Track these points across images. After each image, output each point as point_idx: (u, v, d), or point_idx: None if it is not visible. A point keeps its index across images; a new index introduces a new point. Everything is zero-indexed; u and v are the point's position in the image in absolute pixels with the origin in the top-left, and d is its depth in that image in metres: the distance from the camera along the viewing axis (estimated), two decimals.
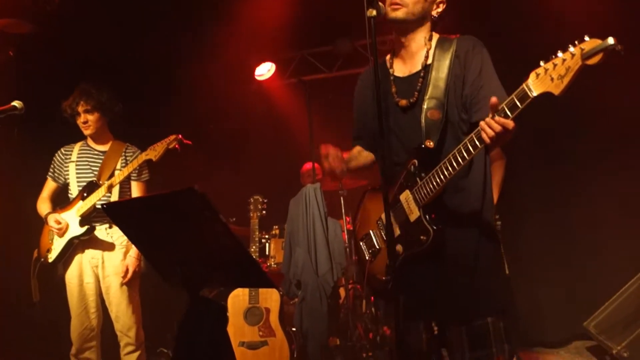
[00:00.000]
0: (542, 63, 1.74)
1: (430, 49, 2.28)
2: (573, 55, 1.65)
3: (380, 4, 2.16)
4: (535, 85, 1.74)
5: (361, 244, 2.43)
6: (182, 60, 5.56)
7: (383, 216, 2.19)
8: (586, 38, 1.65)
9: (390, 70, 2.37)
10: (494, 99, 1.86)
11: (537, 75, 1.74)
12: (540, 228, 4.67)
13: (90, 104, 3.69)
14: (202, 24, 5.37)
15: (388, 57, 2.44)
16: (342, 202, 5.10)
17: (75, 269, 3.65)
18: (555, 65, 1.69)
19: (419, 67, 2.28)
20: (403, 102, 2.28)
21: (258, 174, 6.10)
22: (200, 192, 1.81)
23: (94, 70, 4.69)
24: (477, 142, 1.92)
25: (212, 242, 1.97)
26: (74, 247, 3.63)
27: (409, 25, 2.27)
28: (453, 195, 2.17)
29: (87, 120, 3.71)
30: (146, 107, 5.33)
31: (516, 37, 4.57)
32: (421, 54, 2.30)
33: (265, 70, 6.20)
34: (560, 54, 1.70)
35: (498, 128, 1.83)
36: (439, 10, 2.30)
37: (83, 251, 3.66)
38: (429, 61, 2.27)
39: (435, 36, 2.32)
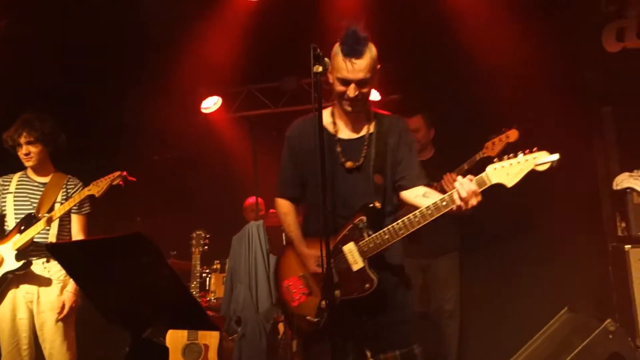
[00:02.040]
0: (495, 160, 2.24)
1: (371, 118, 2.58)
2: (527, 160, 2.17)
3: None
4: (492, 176, 2.21)
5: (285, 287, 2.58)
6: (128, 89, 5.54)
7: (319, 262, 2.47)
8: (535, 150, 2.20)
9: (333, 131, 2.56)
10: (469, 177, 2.26)
11: (494, 169, 2.21)
12: (475, 268, 4.88)
13: (33, 136, 3.62)
14: (150, 56, 5.40)
15: (326, 115, 2.58)
16: (283, 238, 5.18)
17: (8, 304, 3.55)
18: (511, 164, 2.19)
19: (363, 133, 2.55)
20: (349, 163, 2.51)
21: (201, 207, 6.11)
22: (147, 237, 1.87)
23: (36, 99, 4.61)
24: (448, 202, 2.25)
25: (157, 284, 2.01)
26: (8, 281, 3.53)
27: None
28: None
29: (30, 152, 3.64)
30: (89, 136, 5.27)
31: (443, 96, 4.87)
32: (364, 121, 2.57)
33: (211, 104, 6.26)
34: (517, 157, 2.21)
35: (469, 189, 2.19)
36: (375, 79, 2.55)
37: (17, 286, 3.56)
38: (371, 130, 2.55)
39: (373, 110, 2.62)
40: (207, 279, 5.18)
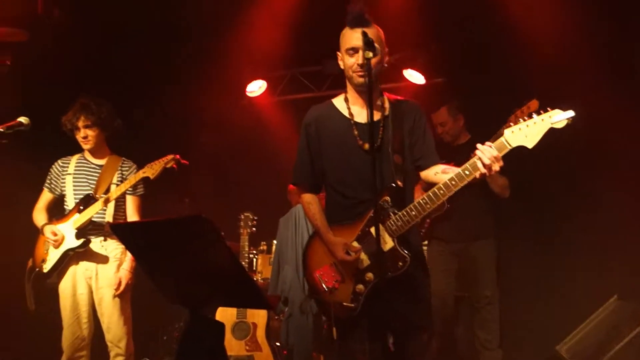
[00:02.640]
0: (512, 123, 2.23)
1: (385, 102, 2.63)
2: (543, 120, 2.15)
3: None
4: (511, 139, 2.20)
5: (317, 276, 2.60)
6: (175, 74, 5.66)
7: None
8: (549, 109, 2.17)
9: (350, 117, 2.61)
10: (487, 143, 2.26)
11: (512, 132, 2.19)
12: (519, 255, 4.85)
13: (91, 120, 3.76)
14: (197, 41, 5.49)
15: (340, 101, 2.68)
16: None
17: (69, 280, 3.73)
18: (528, 126, 2.17)
19: (378, 116, 2.58)
20: (366, 145, 2.54)
21: (247, 189, 6.22)
22: (208, 219, 1.95)
23: (90, 83, 4.77)
24: (472, 170, 2.26)
25: (215, 265, 2.10)
26: (68, 258, 3.70)
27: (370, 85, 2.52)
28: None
29: (87, 135, 3.78)
30: (139, 120, 5.42)
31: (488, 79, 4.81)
32: (378, 105, 2.61)
33: (256, 88, 6.34)
34: (533, 117, 2.18)
35: (490, 154, 2.20)
36: (387, 58, 2.64)
37: (77, 263, 3.73)
38: (386, 113, 2.60)
39: (386, 95, 2.67)
40: (254, 259, 5.29)
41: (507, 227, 4.79)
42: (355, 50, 2.50)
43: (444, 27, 5.12)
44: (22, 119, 3.03)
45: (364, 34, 2.36)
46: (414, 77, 5.66)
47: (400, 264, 2.41)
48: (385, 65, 2.63)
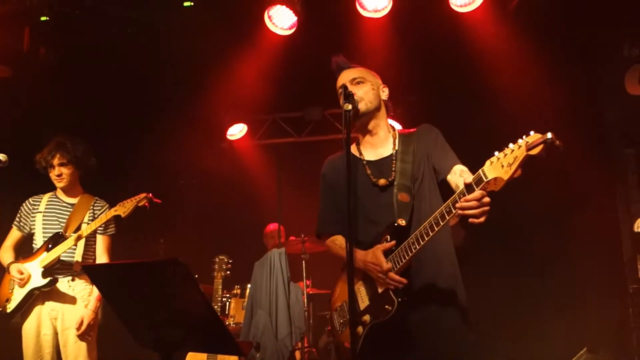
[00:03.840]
0: (496, 153, 2.01)
1: (396, 138, 2.59)
2: (519, 146, 1.92)
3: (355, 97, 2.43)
4: (489, 170, 2.00)
5: (334, 314, 2.58)
6: (157, 116, 5.69)
7: (355, 288, 2.44)
8: (531, 132, 1.92)
9: (360, 157, 2.60)
10: (466, 180, 2.09)
11: (491, 162, 2.00)
12: (488, 305, 4.85)
13: (66, 158, 3.75)
14: (179, 84, 5.55)
15: (353, 147, 2.65)
16: (303, 265, 5.23)
17: (33, 320, 3.63)
18: (505, 154, 1.96)
19: (390, 152, 2.55)
20: (382, 181, 2.49)
21: (222, 231, 6.18)
22: (184, 263, 1.93)
23: (69, 122, 4.76)
24: (452, 209, 2.11)
25: (189, 310, 2.06)
26: (34, 298, 3.62)
27: (370, 114, 2.57)
28: (421, 266, 2.36)
29: (62, 173, 3.76)
30: (116, 158, 5.40)
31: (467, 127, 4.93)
32: (389, 141, 2.59)
33: (237, 131, 6.40)
34: (510, 145, 1.97)
35: (473, 203, 2.03)
36: (386, 93, 2.65)
37: (43, 303, 3.64)
38: (397, 147, 2.55)
39: (396, 131, 2.65)
40: (227, 303, 5.21)
41: (476, 274, 4.82)
42: (342, 88, 2.51)
43: (421, 80, 5.28)
44: (0, 156, 3.01)
45: (344, 87, 2.41)
46: (398, 127, 5.79)
47: (388, 307, 2.26)
48: (385, 97, 2.63)
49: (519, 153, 1.91)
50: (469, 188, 2.05)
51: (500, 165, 1.95)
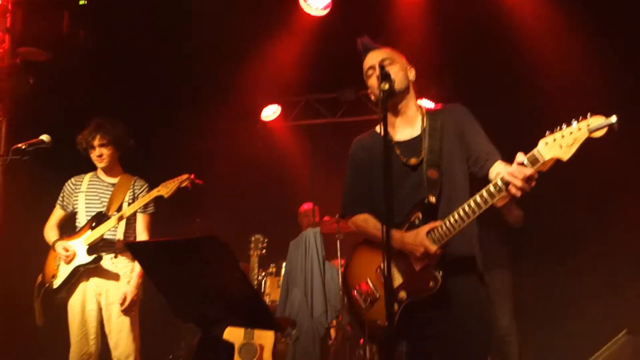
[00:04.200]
0: (547, 133, 2.00)
1: (424, 116, 2.57)
2: (580, 128, 1.91)
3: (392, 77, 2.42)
4: (545, 151, 1.99)
5: (355, 292, 2.56)
6: (193, 97, 5.76)
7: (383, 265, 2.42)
8: (589, 115, 1.92)
9: (389, 137, 2.55)
10: (519, 157, 2.07)
11: (546, 143, 1.99)
12: (531, 286, 4.82)
13: (106, 139, 3.84)
14: (214, 65, 5.60)
15: (378, 128, 2.65)
16: (338, 245, 5.27)
17: (78, 296, 3.75)
18: (563, 136, 1.95)
19: (419, 131, 2.54)
20: (413, 160, 2.48)
21: (258, 211, 6.25)
22: (223, 241, 1.99)
23: (108, 104, 4.86)
24: (501, 187, 2.09)
25: (228, 285, 2.13)
26: (79, 274, 3.73)
27: (402, 94, 2.54)
28: (454, 244, 2.34)
29: (102, 154, 3.85)
30: (153, 140, 5.50)
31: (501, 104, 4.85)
32: (417, 121, 2.57)
33: (271, 112, 6.44)
34: (570, 126, 1.95)
35: (521, 178, 2.02)
36: (413, 73, 2.61)
37: (88, 279, 3.76)
38: (424, 126, 2.54)
39: (424, 109, 2.62)
40: (263, 281, 5.30)
41: (519, 257, 4.79)
42: (372, 68, 2.52)
43: (457, 59, 5.20)
44: (44, 137, 3.11)
45: (381, 67, 2.38)
46: (428, 106, 5.74)
47: (432, 284, 2.26)
48: (413, 77, 2.60)
49: (579, 135, 1.91)
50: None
51: (559, 146, 1.96)
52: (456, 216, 2.23)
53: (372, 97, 2.65)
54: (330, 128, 6.37)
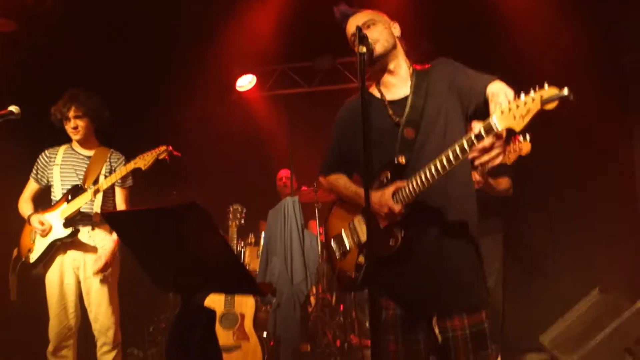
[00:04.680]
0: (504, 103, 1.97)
1: (412, 74, 2.52)
2: (533, 100, 1.88)
3: (370, 40, 2.38)
4: (499, 121, 1.96)
5: (332, 243, 2.63)
6: (166, 67, 5.66)
7: (355, 220, 2.52)
8: (545, 86, 1.88)
9: (382, 98, 2.54)
10: (475, 124, 2.05)
11: (502, 112, 1.96)
12: (505, 248, 4.91)
13: (81, 110, 3.76)
14: (187, 35, 5.49)
15: (373, 88, 2.61)
16: (317, 214, 5.30)
17: (56, 269, 3.72)
18: (517, 106, 1.92)
19: (407, 92, 2.49)
20: (399, 120, 2.43)
21: (235, 182, 6.23)
22: (201, 207, 1.98)
23: (79, 76, 4.74)
24: (466, 147, 2.06)
25: (208, 252, 2.12)
26: (55, 248, 3.70)
27: (389, 54, 2.49)
28: (434, 198, 2.33)
29: (77, 126, 3.78)
30: (127, 113, 5.40)
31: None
32: (409, 79, 2.52)
33: (246, 82, 6.36)
34: (522, 96, 1.93)
35: (485, 144, 2.00)
36: (398, 29, 2.56)
37: (65, 253, 3.73)
38: (412, 84, 2.49)
39: (414, 67, 2.56)
40: (242, 252, 5.31)
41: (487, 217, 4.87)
42: (354, 34, 2.39)
43: (434, 25, 5.17)
44: (13, 108, 3.00)
45: (358, 29, 2.32)
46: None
47: (392, 242, 2.28)
48: (398, 33, 2.54)
49: (532, 106, 1.88)
50: (478, 137, 2.02)
51: (513, 117, 1.92)
52: (420, 177, 2.21)
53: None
54: (306, 97, 6.33)
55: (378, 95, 2.56)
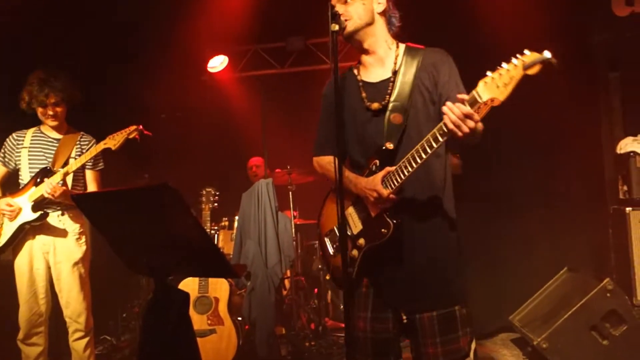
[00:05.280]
0: (488, 73, 1.94)
1: (398, 55, 2.42)
2: (515, 66, 1.86)
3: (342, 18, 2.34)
4: (483, 91, 1.94)
5: (326, 239, 2.56)
6: (135, 49, 5.54)
7: (346, 212, 2.42)
8: (526, 52, 1.88)
9: (358, 77, 2.47)
10: (460, 96, 2.01)
11: (485, 83, 1.94)
12: (473, 229, 4.96)
13: (59, 96, 3.67)
14: (157, 14, 5.37)
15: (354, 66, 2.55)
16: (290, 196, 5.29)
17: (25, 254, 3.64)
18: (500, 74, 1.90)
19: (389, 74, 2.40)
20: (375, 105, 2.37)
21: (207, 165, 6.17)
22: (173, 188, 1.94)
23: (45, 59, 4.61)
24: (444, 130, 2.03)
25: (181, 234, 2.09)
26: (24, 232, 3.62)
27: (362, 31, 2.39)
28: (416, 189, 2.31)
29: (56, 113, 3.71)
30: (98, 97, 5.28)
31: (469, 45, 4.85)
32: (390, 60, 2.42)
33: (218, 63, 6.27)
34: (504, 65, 1.91)
35: (458, 112, 1.97)
36: (382, 4, 2.42)
37: (34, 237, 3.65)
38: (397, 67, 2.39)
39: (402, 45, 2.45)
40: (216, 235, 5.27)
41: (459, 199, 4.91)
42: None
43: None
44: None
45: (330, 7, 2.25)
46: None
47: (384, 230, 2.22)
48: (382, 9, 2.41)
49: (515, 73, 1.86)
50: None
51: (496, 86, 1.90)
52: (407, 161, 2.17)
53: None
54: (279, 78, 6.28)
55: (357, 74, 2.49)
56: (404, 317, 2.33)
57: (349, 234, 2.40)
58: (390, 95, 2.35)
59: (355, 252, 2.34)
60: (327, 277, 5.15)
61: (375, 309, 2.35)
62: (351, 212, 2.42)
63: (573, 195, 4.81)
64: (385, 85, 2.38)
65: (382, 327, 2.34)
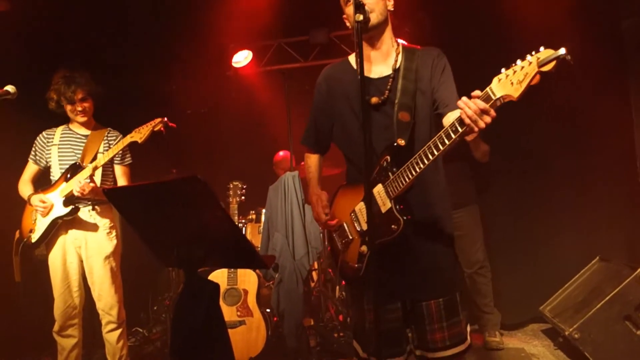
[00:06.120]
0: (503, 70, 1.94)
1: (399, 54, 2.48)
2: (530, 63, 1.85)
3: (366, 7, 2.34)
4: (497, 88, 1.94)
5: (334, 235, 2.59)
6: (160, 45, 5.60)
7: (356, 208, 2.48)
8: (541, 48, 1.86)
9: (359, 70, 2.43)
10: (474, 93, 2.01)
11: (499, 80, 1.93)
12: (504, 220, 4.92)
13: (86, 91, 3.78)
14: (182, 12, 5.42)
15: (352, 58, 2.58)
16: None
17: (58, 249, 3.73)
18: (514, 71, 1.89)
19: (389, 71, 2.46)
20: (374, 99, 2.42)
21: (234, 159, 6.22)
22: (203, 180, 1.96)
23: (71, 56, 4.70)
24: (458, 127, 2.04)
25: (210, 226, 2.12)
26: (57, 227, 3.70)
27: (381, 26, 2.44)
28: (418, 188, 2.35)
29: (84, 108, 3.80)
30: (125, 93, 5.36)
31: (477, 46, 4.79)
32: (391, 58, 2.49)
33: (242, 58, 6.29)
34: (519, 62, 1.90)
35: (474, 107, 1.96)
36: (392, 2, 2.49)
37: (66, 232, 3.74)
38: (398, 65, 2.46)
39: (400, 45, 2.53)
40: (243, 228, 5.31)
41: (489, 191, 4.87)
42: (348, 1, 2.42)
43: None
44: (9, 88, 2.98)
45: None
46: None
47: (394, 227, 2.26)
48: (392, 7, 2.49)
49: (529, 70, 1.85)
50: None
51: (510, 83, 1.89)
52: (417, 159, 2.19)
53: (347, 24, 2.54)
54: (303, 72, 6.27)
55: (355, 66, 2.52)
56: (409, 306, 2.45)
57: (358, 229, 2.46)
58: (390, 91, 2.42)
59: (364, 248, 2.39)
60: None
61: (385, 301, 2.41)
62: (361, 208, 2.46)
63: (604, 184, 4.70)
64: (384, 82, 2.45)
65: (392, 317, 2.43)
